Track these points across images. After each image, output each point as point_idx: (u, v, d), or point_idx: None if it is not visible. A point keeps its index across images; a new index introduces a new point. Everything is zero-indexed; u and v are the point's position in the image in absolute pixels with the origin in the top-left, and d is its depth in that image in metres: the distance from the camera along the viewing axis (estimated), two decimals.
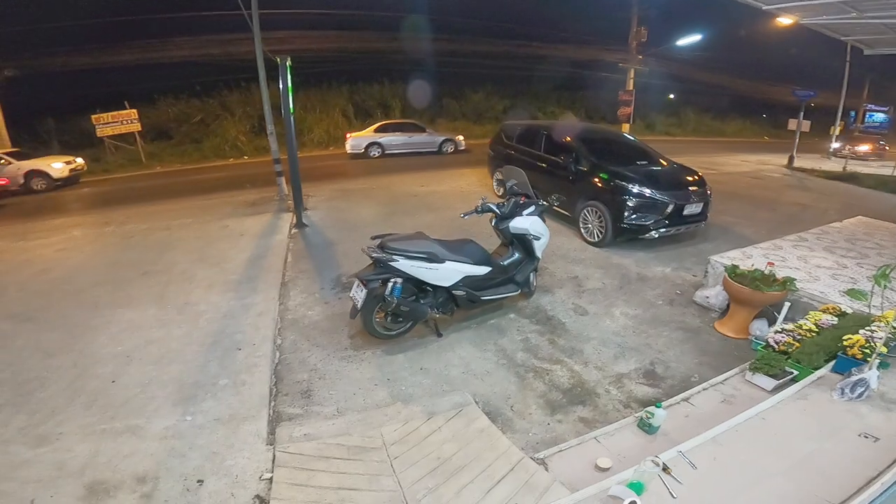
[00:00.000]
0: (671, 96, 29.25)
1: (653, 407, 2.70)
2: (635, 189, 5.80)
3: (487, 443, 2.64)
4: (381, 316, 3.72)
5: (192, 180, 12.01)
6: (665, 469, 2.19)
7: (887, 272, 2.92)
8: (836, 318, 3.42)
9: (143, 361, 3.50)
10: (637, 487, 2.09)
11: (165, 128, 17.95)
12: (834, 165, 15.93)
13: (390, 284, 3.53)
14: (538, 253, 4.30)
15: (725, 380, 3.22)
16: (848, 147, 20.26)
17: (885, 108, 28.58)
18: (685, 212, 6.02)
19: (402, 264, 3.47)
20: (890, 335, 2.87)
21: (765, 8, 7.98)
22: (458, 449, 2.59)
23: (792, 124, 16.80)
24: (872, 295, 3.37)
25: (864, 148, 21.25)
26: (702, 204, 6.20)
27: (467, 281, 3.84)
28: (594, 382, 3.38)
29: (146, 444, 2.63)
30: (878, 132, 27.03)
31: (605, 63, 21.36)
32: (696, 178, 6.49)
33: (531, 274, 4.36)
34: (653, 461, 2.20)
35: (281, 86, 6.50)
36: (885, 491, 1.97)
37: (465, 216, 4.18)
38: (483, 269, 3.93)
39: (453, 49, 22.36)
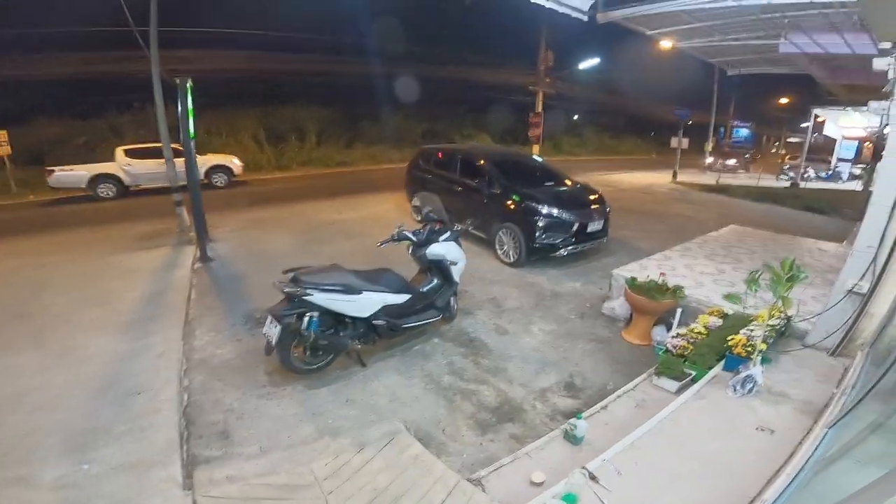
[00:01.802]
0: (575, 117, 31.73)
1: (574, 418, 2.86)
2: (545, 210, 6.16)
3: (422, 469, 2.63)
4: (300, 351, 3.57)
5: (73, 211, 10.62)
6: (593, 478, 2.31)
7: (756, 277, 3.36)
8: (720, 320, 3.87)
9: (21, 411, 3.13)
10: (570, 499, 2.18)
11: (42, 152, 15.75)
12: (709, 179, 18.24)
13: (306, 319, 3.42)
14: (456, 278, 4.39)
15: (636, 385, 3.49)
16: (720, 161, 23.33)
17: (748, 124, 33.23)
18: (589, 229, 6.52)
19: (318, 298, 3.37)
20: (766, 332, 3.29)
21: (648, 33, 9.11)
22: (394, 478, 2.54)
23: (674, 142, 18.91)
24: (747, 297, 3.86)
25: (732, 161, 24.50)
26: (603, 221, 6.75)
27: (387, 310, 3.81)
28: (520, 399, 3.51)
29: (41, 495, 2.41)
30: (743, 146, 31.28)
31: (516, 86, 22.40)
32: (597, 196, 7.05)
33: (451, 298, 4.43)
34: (581, 472, 2.31)
35: (180, 109, 6.05)
36: (791, 482, 2.20)
37: (381, 245, 4.14)
38: (402, 298, 3.92)
39: (371, 71, 22.36)
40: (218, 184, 13.13)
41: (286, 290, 3.35)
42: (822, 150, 24.25)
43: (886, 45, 3.42)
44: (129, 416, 3.09)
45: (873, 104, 3.58)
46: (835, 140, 23.99)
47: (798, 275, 2.96)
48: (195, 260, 6.36)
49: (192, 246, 6.80)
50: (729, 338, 3.35)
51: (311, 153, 19.32)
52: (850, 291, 3.47)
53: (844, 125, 21.00)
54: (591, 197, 6.97)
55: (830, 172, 22.50)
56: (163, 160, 7.79)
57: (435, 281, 4.25)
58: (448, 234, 4.32)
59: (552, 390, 3.65)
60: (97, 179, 11.48)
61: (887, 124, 3.40)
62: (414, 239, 4.18)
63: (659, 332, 4.31)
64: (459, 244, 4.45)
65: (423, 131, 23.42)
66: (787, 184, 18.61)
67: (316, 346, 3.54)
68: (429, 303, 4.19)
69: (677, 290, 4.27)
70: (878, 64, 3.59)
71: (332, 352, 3.67)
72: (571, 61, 19.13)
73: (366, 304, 3.65)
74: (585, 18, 7.41)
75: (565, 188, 7.16)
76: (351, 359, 3.87)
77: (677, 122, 19.42)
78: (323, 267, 3.73)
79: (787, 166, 22.32)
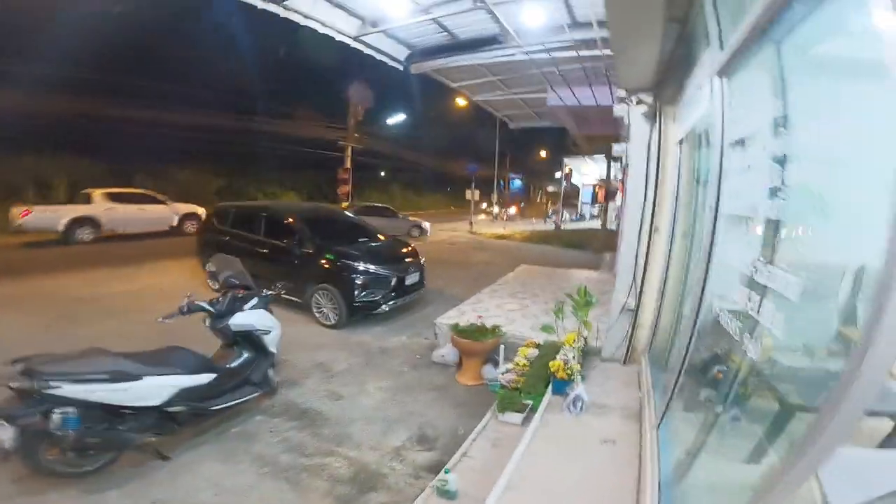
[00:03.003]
0: (382, 173, 33.39)
1: (442, 473, 2.75)
2: (362, 267, 5.99)
3: None
4: (56, 452, 2.65)
5: None
6: None
7: (560, 307, 3.85)
8: (536, 350, 4.29)
9: None
10: None
11: None
12: (498, 227, 21.31)
13: (56, 416, 2.55)
14: (272, 347, 3.81)
15: (486, 425, 3.55)
16: (503, 211, 27.68)
17: (520, 175, 39.91)
18: (407, 282, 6.58)
19: (70, 390, 2.58)
20: (575, 354, 3.77)
21: (453, 86, 10.09)
22: None
23: (468, 194, 21.59)
24: (557, 325, 4.33)
25: (512, 210, 29.42)
26: (418, 273, 6.92)
27: (186, 394, 3.08)
28: (375, 463, 3.22)
29: None
30: (518, 196, 37.41)
31: (326, 141, 21.84)
32: (410, 249, 7.25)
33: (269, 370, 3.82)
34: None
35: None
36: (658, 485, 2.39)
37: (164, 320, 3.28)
38: (205, 378, 3.23)
39: (152, 118, 19.22)
40: None
41: (14, 385, 2.51)
42: (573, 196, 31.15)
43: (622, 93, 4.26)
44: None
45: (616, 146, 4.58)
46: (579, 188, 31.00)
47: (591, 300, 3.51)
48: None
49: None
50: (549, 364, 3.73)
51: None
52: (623, 309, 4.29)
53: (584, 172, 27.26)
54: (405, 250, 7.13)
55: (578, 216, 29.12)
56: None
57: (245, 354, 3.62)
58: (256, 300, 3.76)
59: (406, 447, 3.45)
60: None
61: (627, 164, 4.35)
62: (211, 309, 3.50)
63: (488, 371, 4.56)
64: (270, 310, 3.93)
65: (218, 188, 21.10)
66: (552, 227, 23.21)
67: (83, 447, 2.69)
68: (242, 379, 3.54)
69: (496, 329, 4.62)
70: (618, 111, 4.55)
71: (112, 450, 2.85)
72: (380, 117, 20.22)
73: (150, 391, 2.90)
74: (402, 68, 7.85)
75: (379, 243, 7.14)
76: (144, 452, 2.97)
77: (469, 176, 22.31)
78: (76, 352, 2.86)
79: (551, 212, 28.04)
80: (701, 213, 3.62)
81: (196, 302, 3.40)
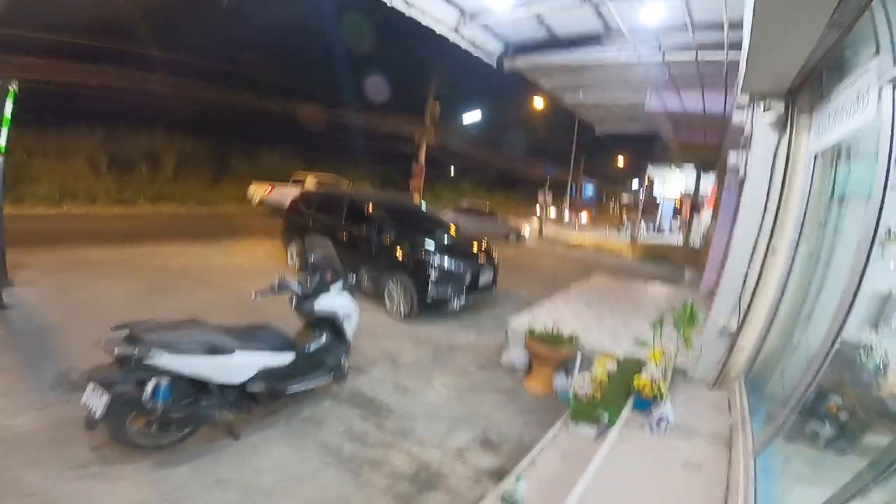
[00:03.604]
0: (452, 170, 33.48)
1: (512, 480, 2.62)
2: (437, 261, 5.93)
3: None
4: (141, 423, 2.70)
5: None
6: None
7: (661, 322, 3.54)
8: (615, 363, 3.99)
9: None
10: None
11: None
12: (568, 233, 20.54)
13: (150, 385, 2.60)
14: (349, 335, 3.83)
15: (555, 436, 3.36)
16: (574, 216, 26.66)
17: (593, 181, 38.25)
18: (480, 280, 6.44)
19: (167, 361, 2.61)
20: (663, 373, 3.47)
21: (546, 86, 9.60)
22: None
23: (540, 198, 21.00)
24: (654, 341, 4.04)
25: (584, 216, 28.22)
26: (491, 271, 6.76)
27: (266, 373, 3.13)
28: (437, 462, 3.13)
29: None
30: (590, 203, 35.90)
31: (401, 135, 22.33)
32: (485, 246, 7.06)
33: (342, 357, 3.84)
34: None
35: None
36: None
37: (257, 297, 3.36)
38: (285, 358, 3.28)
39: (247, 104, 20.76)
40: None
41: (118, 352, 2.54)
42: (651, 207, 29.32)
43: (744, 99, 3.92)
44: None
45: (732, 153, 4.18)
46: (658, 199, 29.23)
47: (696, 317, 3.19)
48: None
49: None
50: (636, 380, 3.45)
51: (166, 188, 16.63)
52: (722, 331, 3.91)
53: (668, 182, 25.48)
54: (480, 247, 6.98)
55: (657, 229, 27.40)
56: None
57: (324, 338, 3.66)
58: (341, 284, 3.78)
59: (469, 448, 3.34)
60: None
61: (745, 176, 3.96)
62: (299, 291, 3.56)
63: (560, 380, 4.32)
64: (353, 296, 3.95)
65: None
66: (627, 237, 21.94)
67: (167, 420, 2.72)
68: (317, 363, 3.57)
69: (573, 338, 4.36)
70: (737, 118, 4.16)
71: (192, 425, 2.88)
72: (457, 114, 20.27)
73: (238, 368, 2.95)
74: (494, 64, 7.62)
75: (456, 239, 7.07)
76: (217, 430, 3.06)
77: (538, 178, 21.52)
78: (174, 322, 2.92)
79: (626, 222, 26.45)
80: (836, 234, 3.19)
81: (287, 281, 3.47)
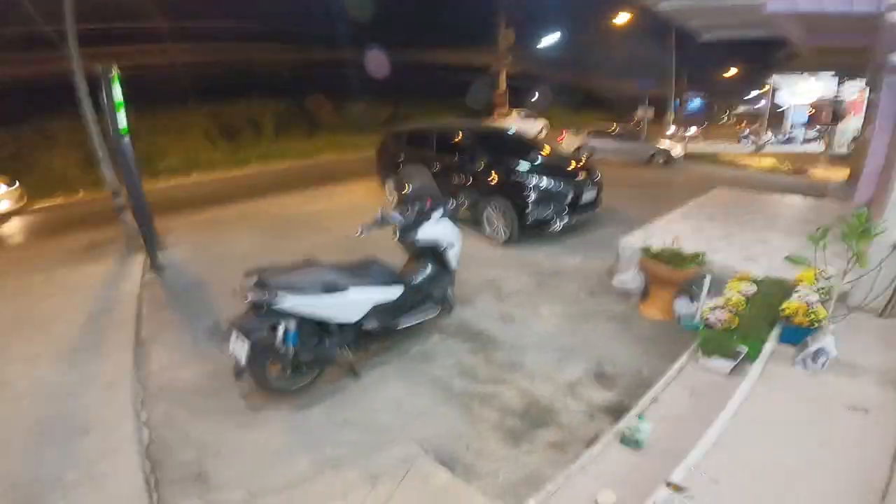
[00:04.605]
0: (536, 95, 31.27)
1: (635, 419, 2.40)
2: (536, 182, 5.70)
3: (457, 503, 2.11)
4: (277, 368, 2.95)
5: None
6: (681, 491, 1.86)
7: (825, 233, 2.91)
8: (753, 286, 3.45)
9: None
10: None
11: None
12: (676, 146, 18.24)
13: (281, 330, 2.78)
14: (453, 263, 3.77)
15: (681, 369, 3.01)
16: (681, 130, 23.82)
17: (700, 94, 34.50)
18: (583, 199, 6.10)
19: (292, 303, 2.74)
20: (821, 297, 2.91)
21: None
22: None
23: (639, 112, 18.98)
24: (814, 258, 3.35)
25: (692, 130, 25.25)
26: (595, 190, 6.34)
27: (378, 310, 3.21)
28: (548, 397, 3.03)
29: None
30: (698, 116, 32.50)
31: (477, 66, 21.72)
32: (585, 163, 6.66)
33: (448, 288, 3.82)
34: (668, 486, 1.85)
35: (105, 101, 5.16)
36: None
37: (362, 233, 3.39)
38: (395, 292, 3.32)
39: (326, 59, 21.20)
40: None
41: (251, 297, 2.72)
42: (773, 117, 25.83)
43: None
44: (80, 460, 2.48)
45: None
46: (781, 108, 25.74)
47: (873, 228, 2.56)
48: (145, 270, 5.53)
49: (141, 255, 5.95)
50: (784, 306, 2.93)
51: (270, 147, 18.19)
52: (894, 247, 3.14)
53: (798, 91, 22.28)
54: (580, 164, 6.59)
55: (787, 137, 23.93)
56: None
57: (429, 269, 3.64)
58: (441, 210, 3.68)
59: (582, 383, 3.17)
60: None
61: None
62: (401, 221, 3.53)
63: (682, 305, 3.90)
64: (455, 223, 3.84)
65: (387, 117, 22.50)
66: (753, 148, 19.18)
67: (298, 363, 2.94)
68: (424, 295, 3.59)
69: (699, 256, 3.85)
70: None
71: (319, 366, 3.09)
72: (530, 39, 18.68)
73: (353, 305, 3.05)
74: None
75: (553, 157, 6.73)
76: (340, 369, 3.26)
77: (631, 97, 19.42)
78: (295, 263, 3.07)
79: (746, 133, 23.41)
80: None
81: (388, 213, 3.45)
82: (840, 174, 12.02)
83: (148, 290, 5.00)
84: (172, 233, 7.00)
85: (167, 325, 4.18)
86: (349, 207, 8.28)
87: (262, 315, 2.75)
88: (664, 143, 14.61)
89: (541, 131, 17.63)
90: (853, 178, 9.20)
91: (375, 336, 3.29)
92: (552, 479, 2.18)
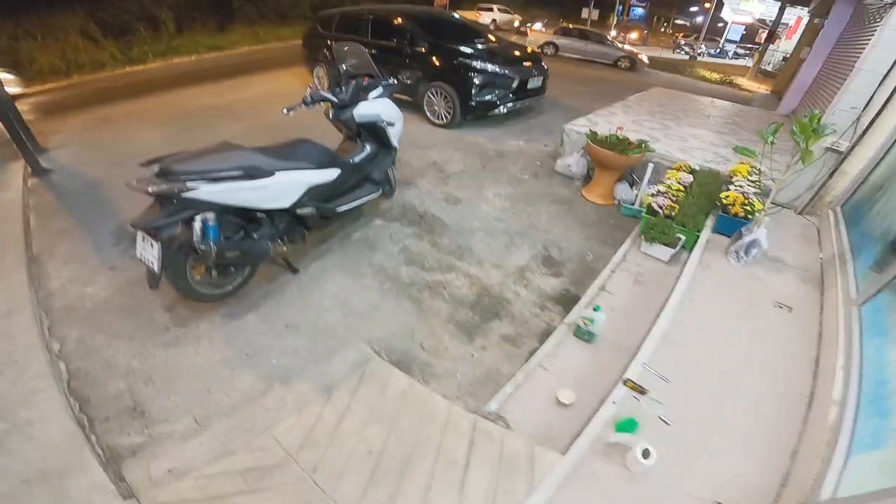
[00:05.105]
0: None
1: (587, 310, 2.35)
2: (481, 66, 5.44)
3: (419, 410, 1.98)
4: (201, 270, 2.56)
5: None
6: (639, 390, 1.91)
7: (776, 129, 2.83)
8: (690, 175, 3.49)
9: None
10: (631, 426, 1.78)
11: None
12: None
13: (197, 225, 2.31)
14: (394, 142, 3.45)
15: (624, 256, 3.07)
16: (622, 35, 23.67)
17: (644, 4, 34.86)
18: (529, 86, 5.96)
19: (205, 192, 2.24)
20: (756, 190, 2.99)
21: None
22: (387, 431, 1.88)
23: (584, 13, 18.48)
24: (762, 151, 3.44)
25: (634, 35, 25.21)
26: (541, 78, 6.20)
27: (314, 193, 2.85)
28: (499, 285, 2.93)
29: None
30: (640, 24, 32.93)
31: None
32: (531, 52, 6.45)
33: (390, 168, 3.54)
34: (625, 384, 1.90)
35: None
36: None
37: (288, 111, 2.96)
38: (331, 174, 2.96)
39: None
40: None
41: (152, 189, 2.14)
42: (709, 32, 27.02)
43: None
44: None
45: None
46: (721, 24, 26.87)
47: (824, 129, 2.55)
48: (26, 176, 4.63)
49: (18, 162, 4.96)
50: (724, 195, 2.98)
51: (172, 42, 15.52)
52: (827, 149, 3.34)
53: (742, 10, 23.40)
54: (526, 52, 6.32)
55: (719, 50, 25.08)
56: None
57: (368, 148, 3.29)
58: (381, 88, 3.31)
59: (530, 268, 3.13)
60: None
61: None
62: (335, 98, 3.09)
63: (622, 190, 3.95)
64: (394, 101, 3.47)
65: (312, 4, 19.81)
66: (686, 56, 19.86)
67: (224, 262, 2.51)
68: (364, 176, 3.29)
69: (643, 143, 3.82)
70: None
71: (250, 264, 2.72)
72: None
73: (284, 189, 2.63)
74: None
75: (497, 44, 6.32)
76: (277, 264, 2.95)
77: None
78: (206, 148, 2.50)
79: (683, 42, 24.28)
80: None
81: (320, 91, 3.01)
82: (764, 88, 13.05)
83: (34, 196, 4.17)
84: (57, 134, 5.89)
85: (62, 235, 3.52)
86: (270, 95, 7.36)
87: (170, 209, 2.24)
88: (630, 48, 14.62)
89: (520, 26, 17.39)
90: (776, 92, 10.77)
91: (312, 224, 2.96)
92: (511, 378, 2.16)
